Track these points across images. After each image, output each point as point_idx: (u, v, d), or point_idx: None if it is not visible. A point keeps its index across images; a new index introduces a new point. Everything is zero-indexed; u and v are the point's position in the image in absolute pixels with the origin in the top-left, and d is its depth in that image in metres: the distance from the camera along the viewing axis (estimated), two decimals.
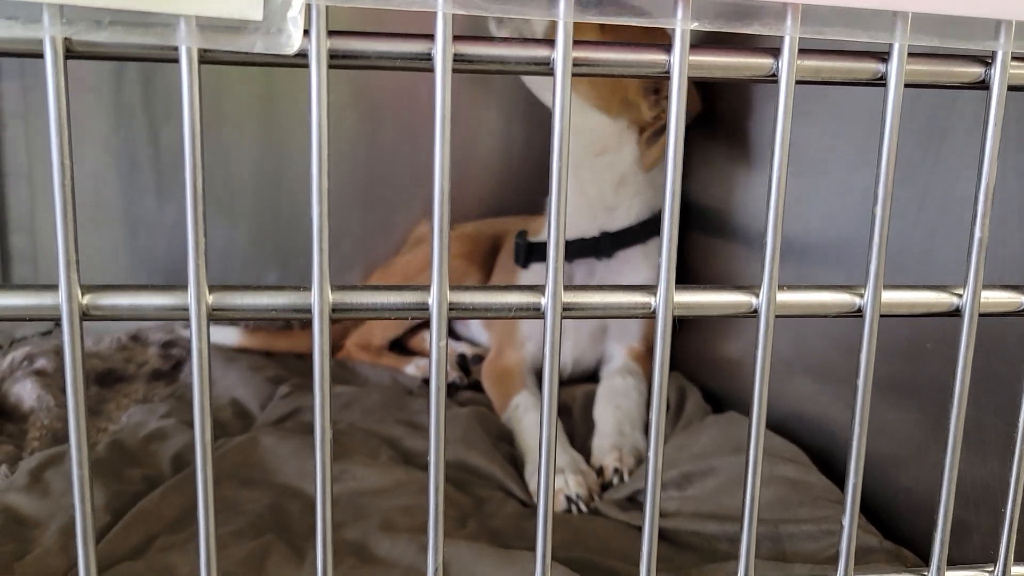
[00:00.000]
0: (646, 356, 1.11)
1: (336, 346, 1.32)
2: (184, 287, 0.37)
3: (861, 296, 0.41)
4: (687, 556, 0.70)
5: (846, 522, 0.43)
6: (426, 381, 1.21)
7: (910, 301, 0.42)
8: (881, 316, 0.41)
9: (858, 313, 0.41)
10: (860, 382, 0.42)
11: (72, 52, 0.34)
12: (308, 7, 0.34)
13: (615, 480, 0.86)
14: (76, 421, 0.37)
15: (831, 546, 0.65)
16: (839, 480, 0.72)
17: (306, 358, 1.28)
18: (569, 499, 0.81)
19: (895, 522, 0.68)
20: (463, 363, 1.25)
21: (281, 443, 0.89)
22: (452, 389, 1.18)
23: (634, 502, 0.83)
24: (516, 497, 0.83)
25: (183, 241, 0.37)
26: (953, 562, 0.45)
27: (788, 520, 0.68)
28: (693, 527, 0.73)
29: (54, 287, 0.36)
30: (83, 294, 0.36)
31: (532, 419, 0.98)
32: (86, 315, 0.36)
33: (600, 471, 0.89)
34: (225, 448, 0.89)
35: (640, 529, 0.42)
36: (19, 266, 1.47)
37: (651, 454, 0.40)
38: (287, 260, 1.51)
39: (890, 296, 0.41)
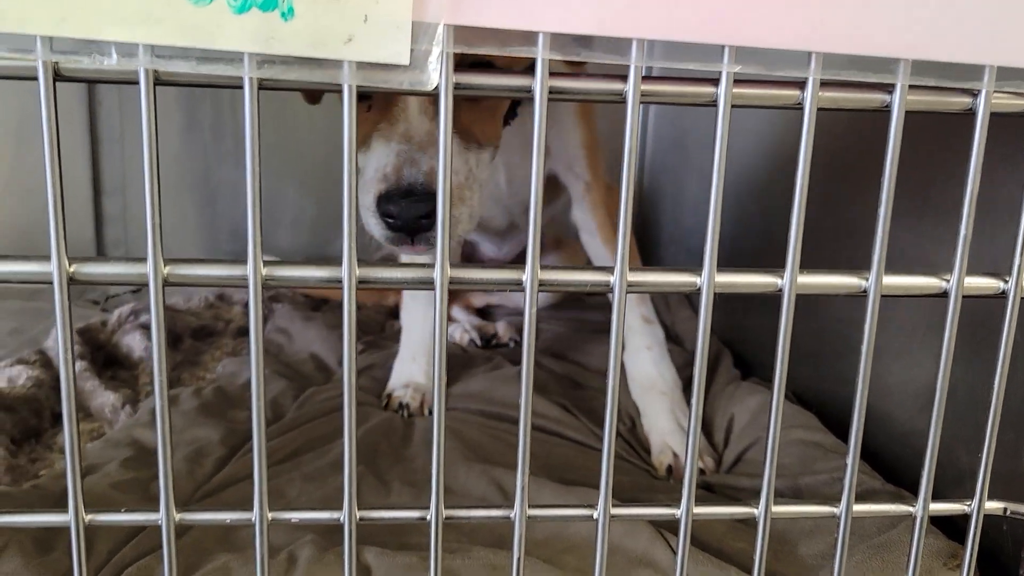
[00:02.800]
0: (599, 189, 1.05)
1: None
2: (338, 264, 0.48)
3: (866, 279, 0.51)
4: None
5: (849, 460, 0.53)
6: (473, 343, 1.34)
7: (906, 284, 0.52)
8: (882, 296, 0.51)
9: (863, 294, 0.51)
10: (864, 347, 0.52)
11: (264, 85, 0.45)
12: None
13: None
14: (256, 354, 0.48)
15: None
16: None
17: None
18: None
19: (904, 472, 0.79)
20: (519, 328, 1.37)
21: (361, 393, 1.01)
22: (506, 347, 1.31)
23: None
24: (570, 439, 0.95)
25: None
26: None
27: (806, 473, 0.79)
28: (728, 482, 0.84)
29: (241, 262, 0.47)
30: (264, 267, 0.47)
31: None
32: (265, 284, 0.47)
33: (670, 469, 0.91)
34: (313, 396, 1.01)
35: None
36: (110, 227, 1.61)
37: (692, 420, 0.51)
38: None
39: (890, 280, 0.51)
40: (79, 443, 0.49)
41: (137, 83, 0.44)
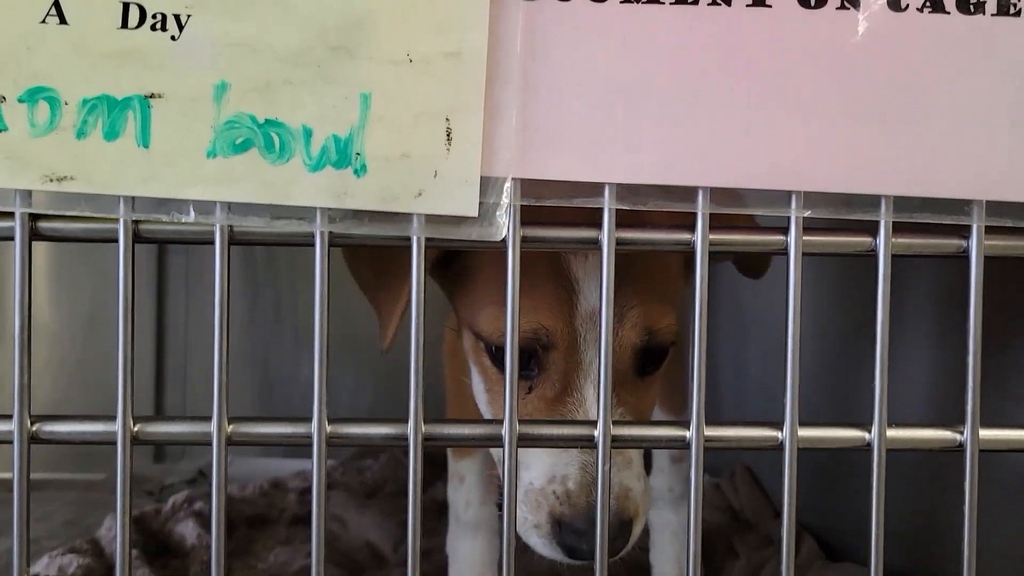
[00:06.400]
0: None
1: None
2: (403, 421, 0.46)
3: (962, 433, 0.48)
4: None
5: None
6: None
7: (1008, 438, 0.49)
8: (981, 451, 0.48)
9: (959, 448, 0.48)
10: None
11: (334, 242, 0.45)
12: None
13: None
14: (318, 534, 0.46)
15: None
16: None
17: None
18: None
19: None
20: None
21: None
22: None
23: None
24: None
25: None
26: None
27: None
28: None
29: (305, 419, 0.46)
30: (329, 423, 0.46)
31: None
32: (330, 442, 0.46)
33: None
34: None
35: None
36: (171, 358, 1.64)
37: None
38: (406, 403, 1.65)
39: (988, 434, 0.48)
40: None
41: (209, 243, 0.45)
